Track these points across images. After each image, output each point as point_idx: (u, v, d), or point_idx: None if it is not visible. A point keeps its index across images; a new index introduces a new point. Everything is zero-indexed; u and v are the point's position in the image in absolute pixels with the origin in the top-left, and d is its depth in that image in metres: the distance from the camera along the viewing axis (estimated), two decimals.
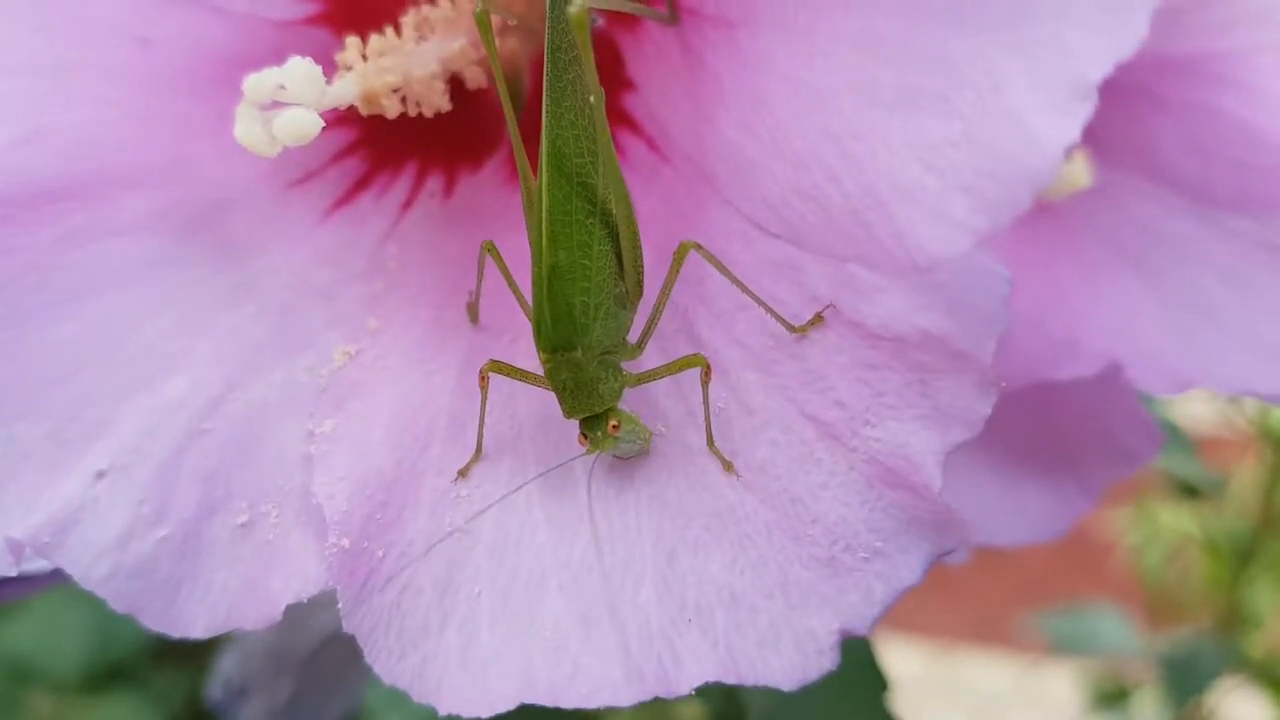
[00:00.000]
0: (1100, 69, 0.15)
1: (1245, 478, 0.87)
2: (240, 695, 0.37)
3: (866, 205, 0.17)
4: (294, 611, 0.21)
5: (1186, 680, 0.76)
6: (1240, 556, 0.85)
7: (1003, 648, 1.50)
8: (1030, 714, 1.39)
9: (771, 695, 0.19)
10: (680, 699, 0.19)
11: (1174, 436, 0.51)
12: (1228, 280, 0.27)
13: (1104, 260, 0.28)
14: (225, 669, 0.37)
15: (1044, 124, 0.15)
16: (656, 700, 0.18)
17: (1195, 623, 0.95)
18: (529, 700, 0.18)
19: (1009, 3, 0.15)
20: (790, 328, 0.19)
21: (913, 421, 0.18)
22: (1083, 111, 0.15)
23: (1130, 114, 0.29)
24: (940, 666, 1.56)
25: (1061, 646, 0.90)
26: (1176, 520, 1.03)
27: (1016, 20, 0.15)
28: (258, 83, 0.20)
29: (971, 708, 1.48)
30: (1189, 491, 0.81)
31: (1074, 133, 0.15)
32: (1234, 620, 0.85)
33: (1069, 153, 0.15)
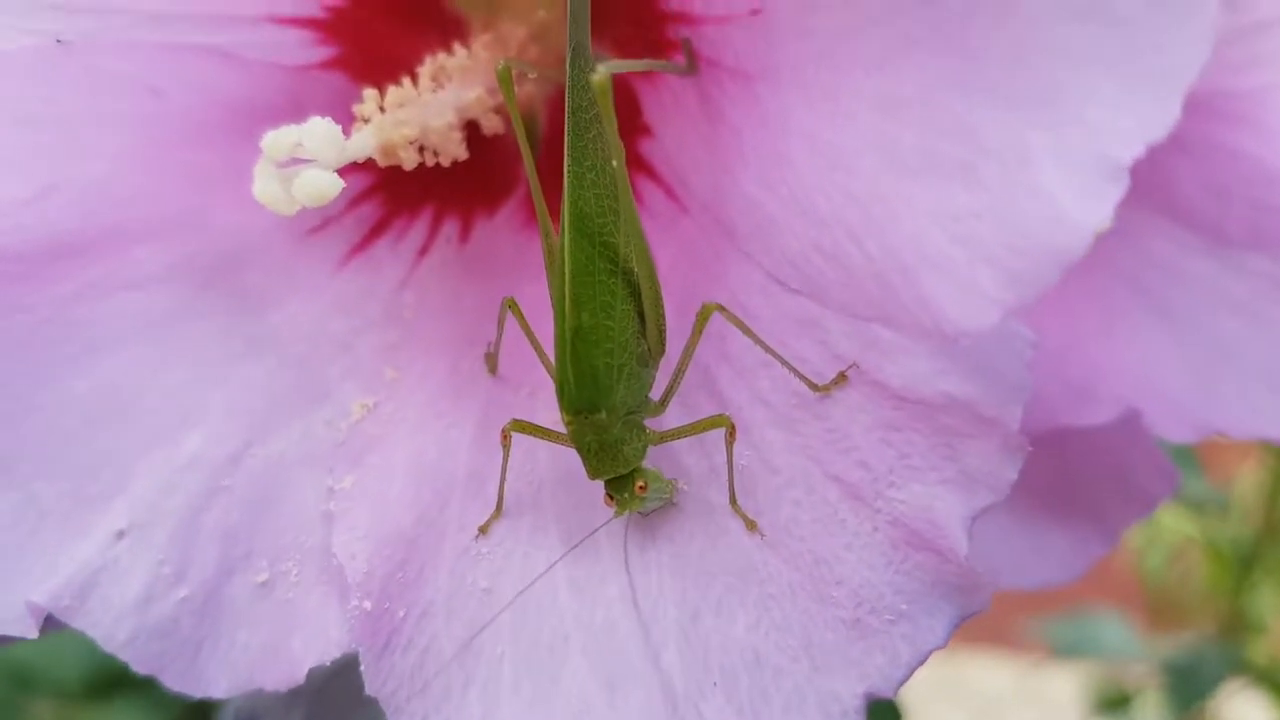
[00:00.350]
0: (1131, 151, 0.14)
1: (1248, 483, 0.87)
2: None
3: (890, 269, 0.17)
4: None
5: (1189, 685, 0.76)
6: (1242, 562, 0.85)
7: (1005, 649, 1.50)
8: (1031, 716, 1.40)
9: None
10: None
11: (1178, 453, 0.51)
12: (1247, 321, 0.27)
13: (1124, 301, 0.28)
14: (236, 699, 0.37)
15: (1073, 204, 0.15)
16: None
17: (1197, 627, 0.95)
18: None
19: (1036, 80, 0.15)
20: (814, 386, 0.19)
21: (938, 485, 0.18)
22: (1114, 193, 0.15)
23: (1150, 153, 0.29)
24: (943, 668, 1.57)
25: (1063, 651, 0.90)
26: (1178, 524, 1.04)
27: (1044, 98, 0.15)
28: (276, 140, 0.20)
29: (973, 709, 1.48)
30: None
31: (1105, 214, 0.15)
32: (1237, 625, 0.85)
33: (1098, 233, 0.15)
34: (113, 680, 0.68)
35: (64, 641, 0.68)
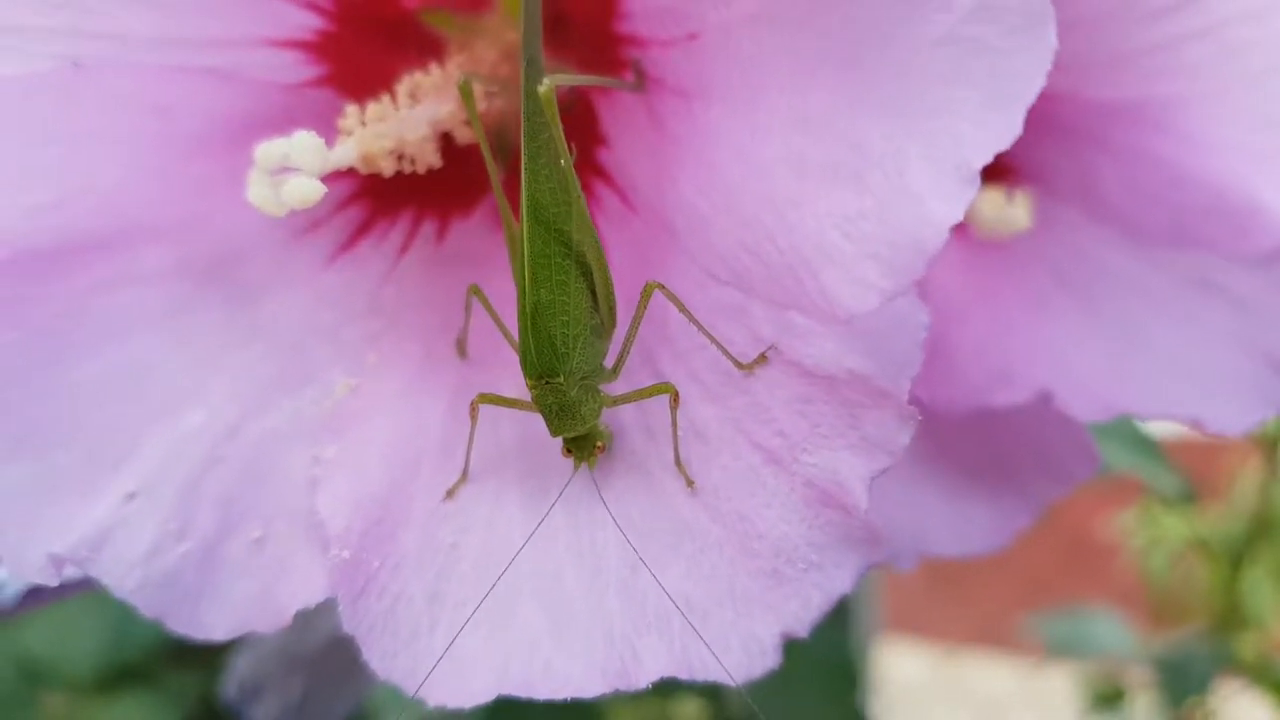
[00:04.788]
0: (984, 158, 0.17)
1: (1247, 482, 0.89)
2: (254, 694, 0.39)
3: (798, 263, 0.20)
4: (303, 614, 0.23)
5: (1182, 682, 0.77)
6: (1235, 559, 0.86)
7: (1007, 650, 1.52)
8: (1032, 716, 1.41)
9: (754, 694, 0.22)
10: (675, 698, 0.21)
11: (1145, 447, 0.53)
12: (1159, 313, 0.29)
13: (1047, 291, 0.30)
14: (240, 669, 0.39)
15: (937, 204, 0.17)
16: (654, 701, 0.21)
17: (1199, 625, 0.97)
18: (505, 693, 0.21)
19: (914, 96, 0.18)
20: (739, 365, 0.22)
21: (843, 450, 0.21)
22: (968, 194, 0.17)
23: (1076, 155, 0.32)
24: (946, 669, 1.58)
25: (1058, 649, 0.91)
26: (1179, 523, 1.05)
27: (919, 111, 0.18)
28: (267, 152, 0.23)
29: (975, 709, 1.50)
30: (1189, 496, 0.83)
31: (960, 212, 0.17)
32: (1233, 622, 0.86)
33: (952, 229, 0.17)
34: (123, 673, 0.70)
35: (75, 635, 0.70)
